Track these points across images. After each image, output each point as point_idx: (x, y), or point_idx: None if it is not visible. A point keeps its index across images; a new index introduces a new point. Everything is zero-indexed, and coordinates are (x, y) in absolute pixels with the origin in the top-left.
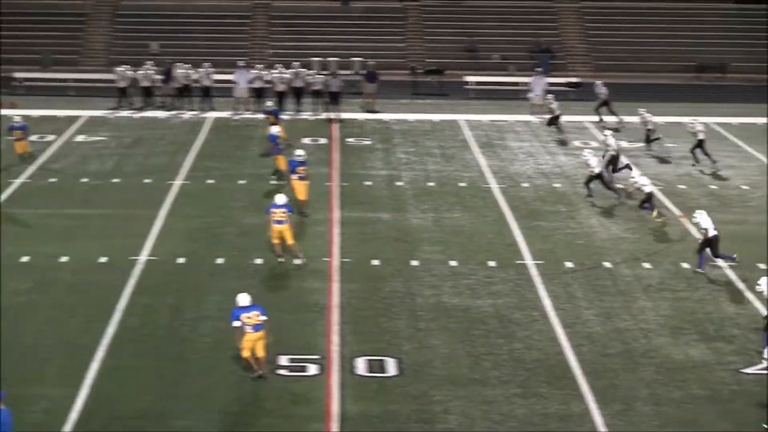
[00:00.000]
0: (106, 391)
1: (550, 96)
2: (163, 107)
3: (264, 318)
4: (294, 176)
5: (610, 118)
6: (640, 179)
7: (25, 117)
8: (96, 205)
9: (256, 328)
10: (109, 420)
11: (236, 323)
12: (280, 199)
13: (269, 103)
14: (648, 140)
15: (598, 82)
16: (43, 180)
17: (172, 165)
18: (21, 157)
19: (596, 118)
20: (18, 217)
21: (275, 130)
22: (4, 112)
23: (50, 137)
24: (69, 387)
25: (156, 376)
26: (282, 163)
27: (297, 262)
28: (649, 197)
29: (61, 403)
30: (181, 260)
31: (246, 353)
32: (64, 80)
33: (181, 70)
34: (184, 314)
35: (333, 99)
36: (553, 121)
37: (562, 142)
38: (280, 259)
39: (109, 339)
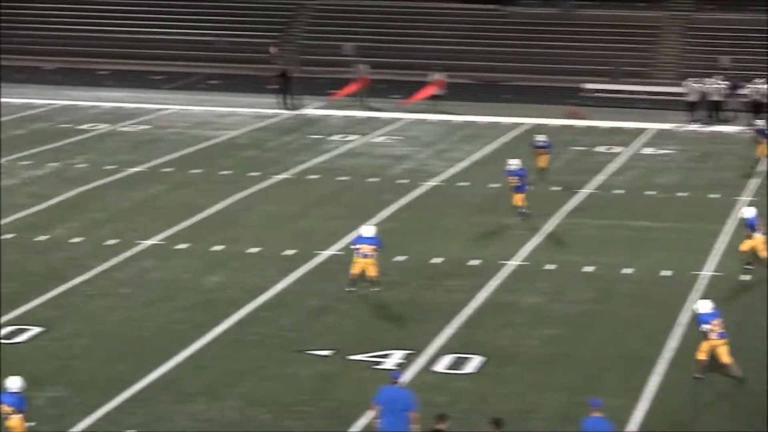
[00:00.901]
0: (667, 406)
1: None
2: (730, 122)
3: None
4: None
5: None
6: None
7: (592, 128)
8: (661, 217)
9: (721, 335)
10: None
11: (705, 326)
12: (750, 211)
13: (761, 122)
14: None
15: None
16: (608, 191)
17: (738, 181)
18: (541, 170)
19: None
20: (584, 227)
21: None
22: (571, 122)
23: (617, 149)
24: (628, 398)
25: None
26: None
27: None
28: None
29: (619, 413)
30: (745, 277)
31: (703, 356)
32: (634, 92)
33: (751, 86)
34: (748, 331)
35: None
36: None
37: None
38: (748, 267)
39: (671, 353)
